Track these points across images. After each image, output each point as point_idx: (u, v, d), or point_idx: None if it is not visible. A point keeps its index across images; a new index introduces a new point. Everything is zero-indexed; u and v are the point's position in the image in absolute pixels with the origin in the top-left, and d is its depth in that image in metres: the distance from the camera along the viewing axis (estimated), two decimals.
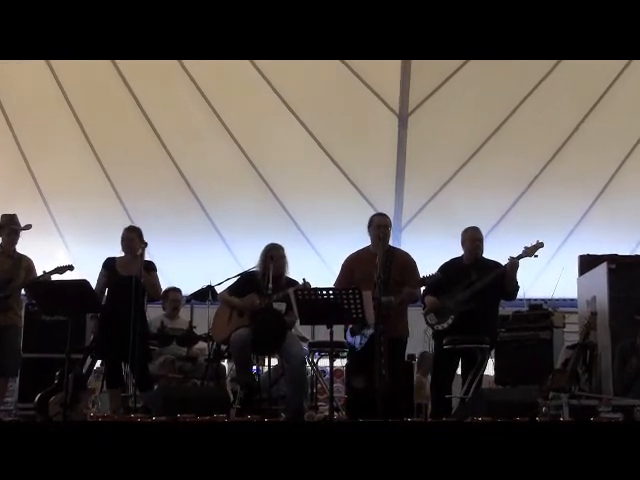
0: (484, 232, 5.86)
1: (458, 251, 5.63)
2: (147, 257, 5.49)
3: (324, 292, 4.36)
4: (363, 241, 5.32)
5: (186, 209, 10.29)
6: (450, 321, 5.35)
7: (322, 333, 5.82)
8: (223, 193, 10.27)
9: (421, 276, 5.12)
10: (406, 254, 5.29)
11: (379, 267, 4.68)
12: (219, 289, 6.10)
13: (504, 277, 5.30)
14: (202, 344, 6.43)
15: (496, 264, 5.44)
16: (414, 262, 5.22)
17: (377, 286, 4.61)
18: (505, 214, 10.10)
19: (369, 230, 5.23)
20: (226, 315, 5.53)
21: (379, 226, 5.14)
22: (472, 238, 5.54)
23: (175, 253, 9.44)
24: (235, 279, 5.75)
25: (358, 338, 4.98)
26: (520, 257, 5.35)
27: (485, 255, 5.63)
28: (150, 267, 5.51)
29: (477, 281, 5.33)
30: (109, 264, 5.56)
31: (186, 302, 6.81)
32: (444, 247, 6.16)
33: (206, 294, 6.35)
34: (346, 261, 5.26)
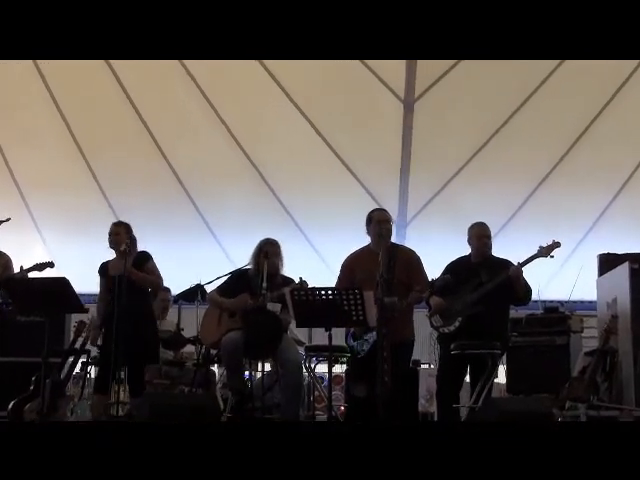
0: (494, 230, 5.86)
1: (465, 249, 5.65)
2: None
3: (322, 292, 4.34)
4: (365, 238, 5.28)
5: (175, 203, 10.32)
6: (457, 324, 5.35)
7: (320, 336, 5.83)
8: (214, 186, 10.29)
9: (430, 279, 5.09)
10: (410, 251, 5.27)
11: (381, 266, 4.66)
12: (209, 289, 6.12)
13: (511, 283, 5.31)
14: (190, 348, 6.45)
15: (506, 263, 5.44)
16: (419, 259, 5.19)
17: (379, 286, 4.59)
18: (517, 210, 10.11)
19: (368, 227, 5.23)
20: (216, 317, 5.53)
21: (380, 222, 5.13)
22: (479, 235, 5.53)
23: (162, 250, 9.27)
24: (226, 278, 5.76)
25: (360, 343, 4.96)
26: (534, 258, 5.35)
27: (496, 254, 5.62)
28: (143, 258, 5.48)
29: (487, 282, 5.34)
30: (102, 270, 5.57)
31: (173, 302, 6.82)
32: (450, 245, 6.16)
33: (195, 294, 6.35)
34: (346, 261, 5.26)
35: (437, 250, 6.31)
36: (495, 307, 5.35)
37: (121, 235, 5.47)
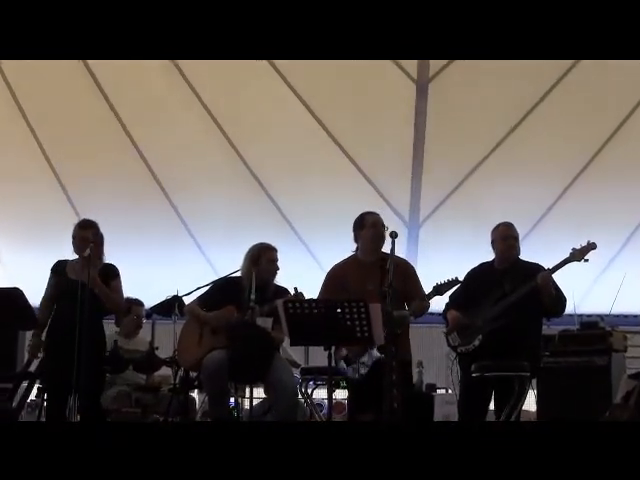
0: (523, 231, 5.89)
1: (487, 254, 5.70)
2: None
3: (321, 304, 4.37)
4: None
5: (148, 202, 10.35)
6: (477, 342, 5.40)
7: (318, 357, 5.81)
8: (196, 183, 10.33)
9: (435, 283, 5.12)
10: (405, 261, 5.38)
11: (390, 274, 4.67)
12: (188, 301, 6.13)
13: (539, 292, 5.34)
14: (166, 370, 6.44)
15: (536, 269, 5.47)
16: (414, 270, 5.36)
17: (387, 297, 4.61)
18: (547, 211, 10.14)
19: (358, 233, 5.31)
20: (196, 333, 5.54)
21: (375, 225, 5.23)
22: (504, 236, 5.56)
23: (133, 256, 9.42)
24: (208, 287, 5.82)
25: (355, 369, 5.02)
26: (566, 262, 5.39)
27: (525, 258, 5.66)
28: (112, 273, 5.47)
29: (511, 292, 5.37)
30: (58, 268, 5.52)
31: (146, 317, 6.84)
32: (469, 249, 6.18)
33: (171, 307, 6.35)
34: (331, 271, 5.36)
35: (453, 255, 6.33)
36: (523, 321, 5.37)
37: (89, 240, 5.40)
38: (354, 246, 5.41)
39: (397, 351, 4.68)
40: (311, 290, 5.26)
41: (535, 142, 9.84)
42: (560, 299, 5.44)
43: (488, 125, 9.87)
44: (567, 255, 5.41)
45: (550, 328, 6.41)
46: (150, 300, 6.75)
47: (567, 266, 5.39)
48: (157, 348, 6.47)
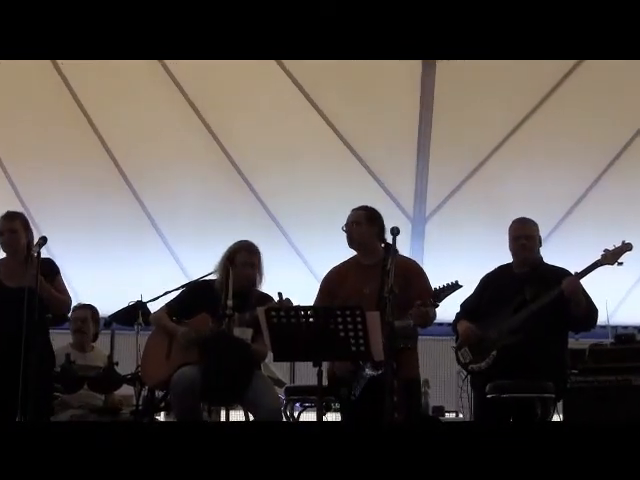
0: (547, 228, 5.85)
1: (506, 253, 5.73)
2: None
3: (309, 313, 4.35)
4: None
5: (107, 193, 10.31)
6: (492, 359, 5.42)
7: (306, 374, 5.78)
8: (164, 171, 10.30)
9: (433, 289, 5.11)
10: (406, 259, 5.36)
11: (390, 278, 4.67)
12: (154, 307, 6.12)
13: (568, 300, 5.36)
14: (127, 389, 6.42)
15: (562, 273, 5.49)
16: (420, 269, 5.32)
17: (388, 304, 4.60)
18: (576, 203, 10.14)
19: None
20: (163, 346, 5.55)
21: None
22: (515, 235, 5.61)
23: (88, 256, 9.41)
24: (179, 292, 5.85)
25: (347, 389, 5.02)
26: (597, 265, 5.41)
27: (548, 260, 5.67)
28: (53, 270, 5.51)
29: (532, 301, 5.39)
30: None
31: (104, 326, 6.82)
32: (484, 247, 6.17)
33: (134, 315, 6.35)
34: (327, 275, 5.45)
35: (465, 255, 6.31)
36: (546, 335, 5.39)
37: (19, 233, 5.44)
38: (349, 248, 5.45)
39: (400, 368, 4.65)
40: (301, 297, 5.23)
41: (557, 126, 9.85)
42: (590, 309, 5.45)
43: (503, 107, 9.88)
44: (598, 257, 5.41)
45: (579, 342, 6.44)
46: (109, 307, 6.74)
47: (598, 270, 5.40)
48: (117, 363, 6.42)
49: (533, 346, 5.33)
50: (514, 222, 5.70)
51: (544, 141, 9.97)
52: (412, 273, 5.21)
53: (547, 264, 5.65)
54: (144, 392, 6.00)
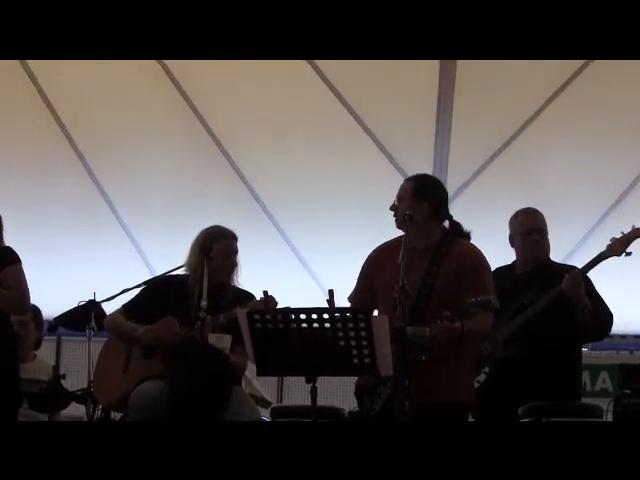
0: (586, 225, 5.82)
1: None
2: None
3: (301, 316, 4.32)
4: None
5: (53, 168, 10.30)
6: (482, 378, 5.47)
7: (296, 392, 5.74)
8: (125, 144, 10.27)
9: None
10: (467, 246, 5.21)
11: (401, 272, 4.72)
12: (109, 309, 6.14)
13: (573, 304, 5.44)
14: (77, 408, 6.46)
15: (569, 270, 5.60)
16: (480, 262, 5.13)
17: (398, 307, 4.62)
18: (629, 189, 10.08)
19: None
20: (120, 356, 5.57)
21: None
22: (525, 230, 5.68)
23: (29, 246, 9.34)
24: (139, 290, 5.90)
25: (369, 399, 4.97)
26: (601, 259, 5.53)
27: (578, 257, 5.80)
28: (7, 258, 5.58)
29: (531, 304, 5.48)
30: None
31: (48, 331, 6.84)
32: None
33: (85, 317, 6.38)
34: (366, 260, 5.36)
35: (493, 243, 6.25)
36: (546, 346, 5.47)
37: None
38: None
39: (421, 388, 4.62)
40: (293, 296, 5.25)
41: (598, 92, 9.86)
42: (600, 314, 5.51)
43: (541, 71, 9.83)
44: (604, 249, 5.54)
45: (596, 354, 6.52)
46: (54, 307, 6.78)
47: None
48: (64, 376, 6.44)
49: (531, 360, 5.42)
50: (522, 214, 5.78)
51: (578, 117, 9.99)
52: (467, 266, 5.06)
53: (555, 262, 5.78)
54: (97, 412, 6.04)
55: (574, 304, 5.40)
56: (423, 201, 5.11)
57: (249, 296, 5.43)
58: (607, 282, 5.86)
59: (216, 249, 5.49)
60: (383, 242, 5.31)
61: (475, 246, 5.20)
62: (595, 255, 5.47)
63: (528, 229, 5.65)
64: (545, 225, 5.74)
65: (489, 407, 5.33)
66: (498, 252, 5.77)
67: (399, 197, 5.15)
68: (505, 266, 5.76)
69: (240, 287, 5.59)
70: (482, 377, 5.41)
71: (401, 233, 5.13)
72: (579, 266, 5.60)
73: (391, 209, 5.14)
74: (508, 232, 5.82)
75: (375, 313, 4.99)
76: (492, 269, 5.41)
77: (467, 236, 5.19)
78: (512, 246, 5.74)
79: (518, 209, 5.81)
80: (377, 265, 5.21)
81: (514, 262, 5.76)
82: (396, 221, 5.11)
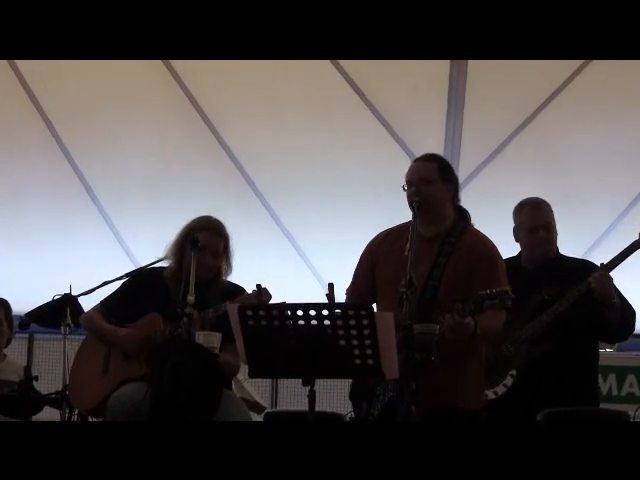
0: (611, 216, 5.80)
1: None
2: None
3: (298, 312, 4.31)
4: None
5: (23, 145, 10.33)
6: (510, 381, 5.50)
7: (291, 396, 5.75)
8: (103, 119, 10.30)
9: None
10: (479, 237, 5.24)
11: (409, 262, 4.73)
12: (87, 304, 6.14)
13: (595, 302, 5.48)
14: (50, 413, 6.47)
15: (586, 267, 5.69)
16: (493, 253, 5.18)
17: (405, 302, 4.62)
18: None
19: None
20: (99, 358, 5.60)
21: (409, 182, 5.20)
22: (532, 224, 5.71)
23: (4, 238, 9.43)
24: (120, 284, 5.90)
25: (367, 404, 4.98)
26: (630, 251, 5.55)
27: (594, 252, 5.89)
28: None
29: (554, 299, 5.52)
30: None
31: (19, 328, 6.86)
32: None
33: (60, 313, 6.37)
34: (367, 247, 5.38)
35: (506, 232, 6.27)
36: (577, 344, 5.53)
37: None
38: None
39: (430, 390, 4.66)
40: (289, 290, 5.23)
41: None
42: (626, 312, 5.56)
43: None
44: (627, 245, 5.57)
45: (626, 354, 6.52)
46: (26, 302, 6.78)
47: None
48: (36, 378, 6.43)
49: (566, 358, 5.46)
50: (525, 206, 5.81)
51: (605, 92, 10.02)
52: (478, 258, 5.09)
53: (564, 256, 5.81)
54: (74, 417, 6.04)
55: (602, 303, 5.42)
56: (449, 182, 5.16)
57: (240, 290, 5.45)
58: (632, 276, 5.88)
59: (204, 239, 5.48)
60: (386, 229, 5.31)
61: (487, 236, 5.22)
62: (624, 248, 5.49)
63: (534, 225, 5.68)
64: (552, 217, 5.76)
65: (521, 411, 5.35)
66: (507, 241, 5.79)
67: (423, 177, 5.11)
68: (510, 259, 5.70)
69: (230, 281, 5.62)
70: (509, 380, 5.44)
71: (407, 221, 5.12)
72: (601, 259, 5.60)
73: (404, 189, 5.11)
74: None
75: (374, 306, 4.99)
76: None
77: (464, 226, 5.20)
78: (516, 240, 5.79)
79: (523, 199, 5.84)
80: (379, 253, 5.23)
81: (519, 255, 5.80)
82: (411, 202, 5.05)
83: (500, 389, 5.46)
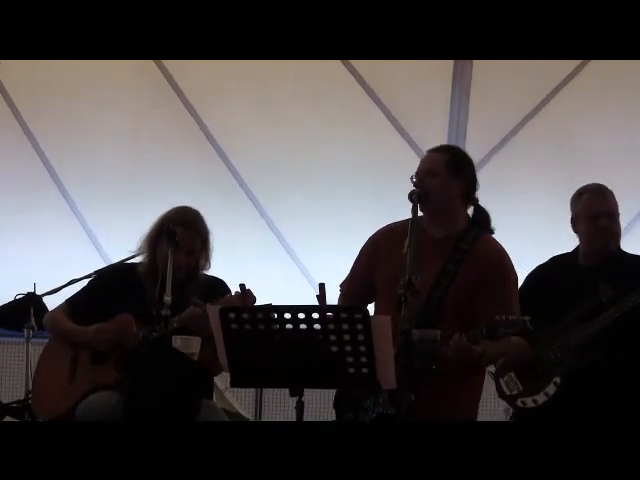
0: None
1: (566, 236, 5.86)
2: None
3: (286, 314, 4.30)
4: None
5: (6, 151, 10.38)
6: (552, 389, 5.52)
7: (278, 406, 5.76)
8: (70, 102, 10.37)
9: None
10: (497, 250, 5.26)
11: (408, 261, 4.74)
12: (52, 304, 6.18)
13: None
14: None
15: None
16: (512, 270, 5.22)
17: (404, 304, 4.64)
18: None
19: None
20: (64, 363, 5.63)
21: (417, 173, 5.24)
22: (595, 211, 5.68)
23: None
24: (87, 281, 5.95)
25: (352, 416, 5.04)
26: None
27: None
28: None
29: (611, 302, 5.49)
30: None
31: None
32: (550, 217, 6.19)
33: (23, 314, 6.42)
34: (369, 241, 5.43)
35: (522, 231, 6.29)
36: (632, 355, 5.54)
37: None
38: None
39: (426, 402, 4.69)
40: (279, 295, 5.19)
41: None
42: None
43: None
44: None
45: None
46: None
47: None
48: None
49: (613, 369, 5.45)
50: (584, 193, 5.77)
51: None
52: (491, 272, 5.12)
53: (627, 253, 5.78)
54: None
55: None
56: (458, 178, 5.18)
57: (221, 284, 5.52)
58: None
59: (182, 233, 5.50)
60: (392, 222, 5.33)
61: (502, 247, 5.24)
62: None
63: (595, 212, 5.64)
64: (617, 207, 5.72)
65: (563, 422, 5.33)
66: (513, 235, 5.81)
67: (429, 170, 5.15)
68: (565, 255, 5.79)
69: (209, 275, 5.67)
70: (552, 389, 5.46)
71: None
72: (630, 247, 5.68)
73: (412, 181, 5.11)
74: (538, 214, 5.84)
75: (371, 308, 5.03)
76: (524, 258, 5.58)
77: (491, 232, 5.21)
78: (574, 231, 5.74)
79: (582, 186, 5.79)
80: (382, 249, 5.26)
81: (576, 250, 5.75)
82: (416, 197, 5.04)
83: (541, 397, 5.48)
